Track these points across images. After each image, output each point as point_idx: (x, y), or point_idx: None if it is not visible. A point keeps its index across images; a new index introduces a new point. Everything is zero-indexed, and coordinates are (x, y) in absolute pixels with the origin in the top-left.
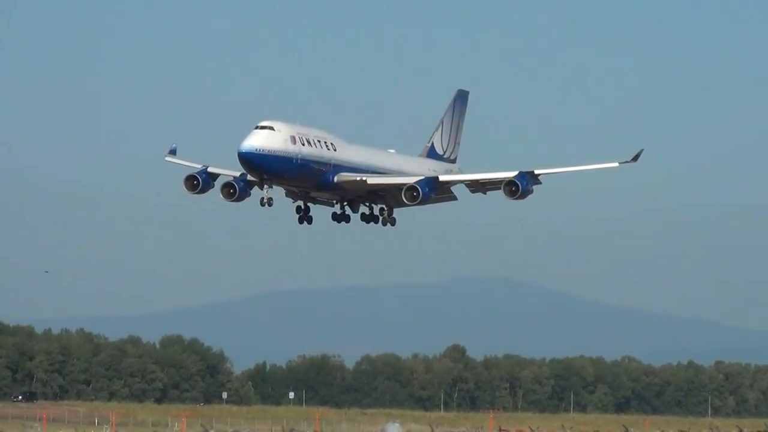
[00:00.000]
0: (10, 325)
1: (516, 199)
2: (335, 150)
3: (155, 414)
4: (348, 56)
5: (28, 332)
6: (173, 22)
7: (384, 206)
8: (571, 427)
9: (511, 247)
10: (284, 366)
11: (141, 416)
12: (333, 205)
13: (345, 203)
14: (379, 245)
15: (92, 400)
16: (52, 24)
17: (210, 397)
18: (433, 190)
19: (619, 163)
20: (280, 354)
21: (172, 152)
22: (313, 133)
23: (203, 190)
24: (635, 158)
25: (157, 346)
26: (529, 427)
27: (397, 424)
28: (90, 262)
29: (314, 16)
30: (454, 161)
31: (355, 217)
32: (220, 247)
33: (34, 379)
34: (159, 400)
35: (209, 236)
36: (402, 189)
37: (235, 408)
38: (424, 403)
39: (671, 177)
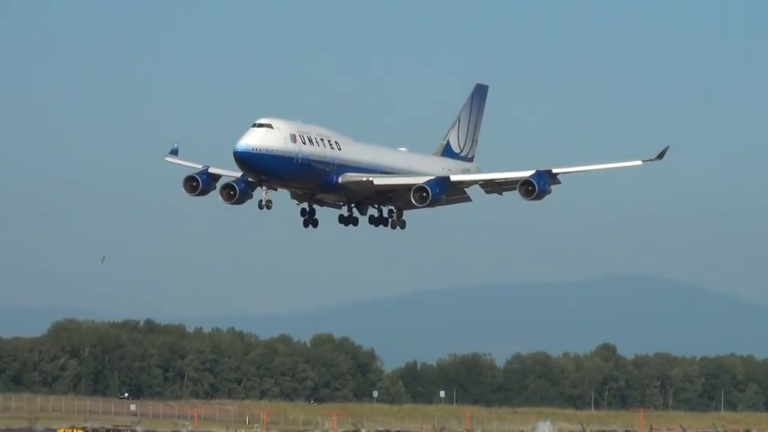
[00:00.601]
0: (162, 323)
1: (532, 199)
2: (339, 149)
3: (306, 413)
4: (358, 52)
5: (179, 331)
6: (174, 18)
7: (393, 208)
8: (722, 426)
9: (660, 244)
10: (435, 365)
11: (292, 415)
12: (340, 208)
13: (352, 205)
14: (529, 243)
15: (243, 398)
16: (51, 24)
17: (361, 395)
18: (444, 191)
19: (643, 161)
20: (431, 353)
21: (174, 152)
22: (316, 131)
23: (203, 192)
24: (660, 156)
25: (308, 344)
26: (680, 426)
27: (548, 423)
28: (238, 261)
29: (324, 12)
30: (471, 160)
31: (363, 220)
32: (370, 246)
33: (185, 378)
34: (310, 399)
35: (359, 235)
36: (411, 190)
37: (385, 406)
38: (575, 401)
39: None
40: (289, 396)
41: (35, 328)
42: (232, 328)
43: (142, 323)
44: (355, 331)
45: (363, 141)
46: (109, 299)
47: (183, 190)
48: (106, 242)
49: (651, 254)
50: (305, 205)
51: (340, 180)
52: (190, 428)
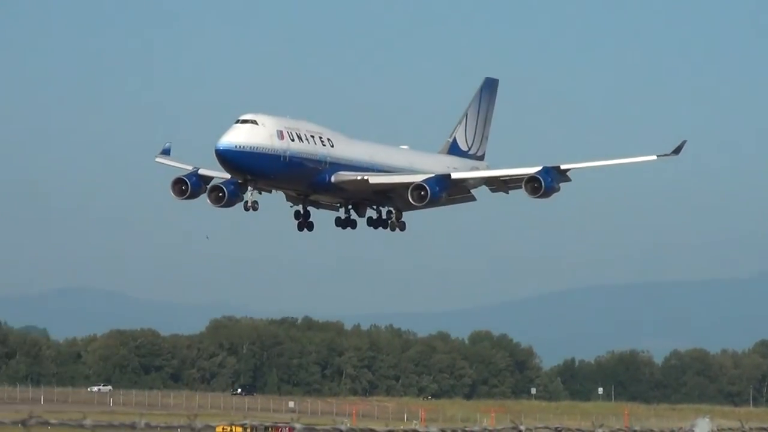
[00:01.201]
0: (320, 321)
1: (539, 197)
2: (332, 146)
3: (464, 409)
4: (358, 50)
5: (337, 328)
6: (170, 13)
7: (392, 209)
8: None
9: None
10: (593, 362)
11: (450, 412)
12: (337, 209)
13: (349, 207)
14: (685, 241)
15: (401, 395)
16: (47, 24)
17: (518, 392)
18: (445, 189)
19: (658, 156)
20: (589, 349)
21: (165, 152)
22: (305, 128)
23: (193, 195)
24: (677, 151)
25: (466, 342)
26: None
27: (707, 420)
28: (395, 260)
29: (325, 10)
30: (481, 158)
31: (362, 222)
32: (525, 243)
33: (344, 375)
34: (468, 396)
35: (520, 232)
36: (409, 188)
37: (543, 403)
38: (733, 398)
39: None
40: (447, 393)
41: (194, 326)
42: (390, 325)
43: (300, 320)
44: (513, 329)
45: (360, 138)
46: (267, 296)
47: (171, 193)
48: (267, 242)
49: None
50: (299, 207)
51: (333, 179)
52: (348, 424)
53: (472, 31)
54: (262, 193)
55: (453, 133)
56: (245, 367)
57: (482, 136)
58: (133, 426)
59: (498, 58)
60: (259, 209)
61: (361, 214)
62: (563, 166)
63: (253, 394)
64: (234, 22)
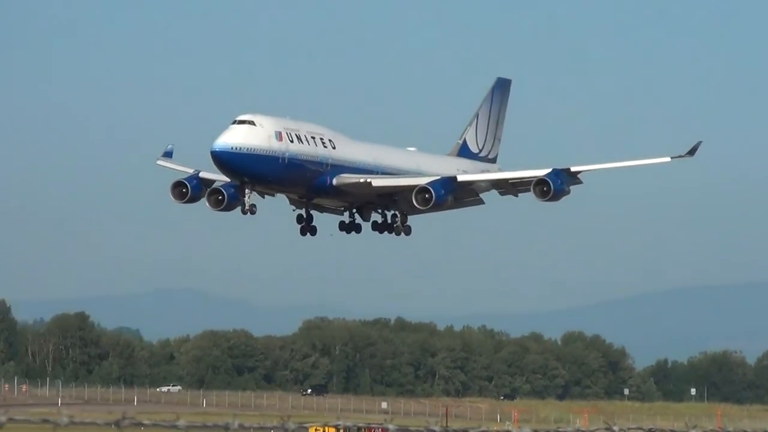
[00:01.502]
0: (413, 322)
1: (548, 200)
2: (334, 147)
3: (557, 410)
4: (364, 51)
5: (430, 329)
6: (173, 15)
7: (396, 213)
8: None
9: None
10: (686, 362)
11: (543, 413)
12: (342, 213)
13: (354, 210)
14: None
15: (494, 397)
16: (44, 25)
17: (611, 393)
18: (450, 192)
19: (672, 157)
20: (682, 350)
21: (167, 154)
22: (306, 128)
23: (193, 199)
24: (691, 152)
25: (559, 342)
26: None
27: None
28: (486, 259)
29: (331, 11)
30: (493, 161)
31: (367, 226)
32: (622, 241)
33: (437, 376)
34: (561, 397)
35: (615, 232)
36: (413, 191)
37: (636, 404)
38: None
39: None
40: (540, 394)
41: (287, 327)
42: (483, 326)
43: (392, 321)
44: (606, 329)
45: (368, 140)
46: (360, 298)
47: (170, 196)
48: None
49: None
50: (302, 211)
51: (334, 182)
52: (441, 426)
53: (483, 30)
54: (266, 196)
55: (463, 134)
56: (338, 368)
57: (494, 138)
58: (226, 427)
59: (509, 58)
60: (257, 212)
61: (365, 218)
62: (573, 168)
63: (323, 395)
64: (236, 22)
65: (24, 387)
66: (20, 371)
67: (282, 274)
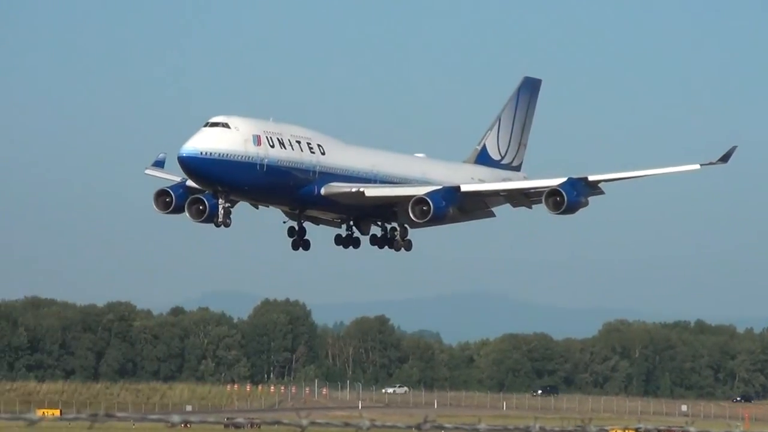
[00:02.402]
0: (713, 324)
1: (561, 213)
2: (323, 153)
3: None
4: (373, 53)
5: (730, 332)
6: (169, 17)
7: (396, 225)
8: None
9: None
10: None
11: None
12: (339, 226)
13: (351, 223)
14: None
15: None
16: (41, 25)
17: None
18: (452, 204)
19: (701, 164)
20: None
21: (158, 163)
22: (290, 132)
23: (178, 209)
24: (725, 158)
25: None
26: None
27: None
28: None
29: (338, 12)
30: (517, 168)
31: (365, 241)
32: None
33: (736, 379)
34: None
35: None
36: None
37: None
38: None
39: None
40: None
41: (587, 330)
42: None
43: (692, 324)
44: None
45: (371, 146)
46: (659, 300)
47: (154, 206)
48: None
49: None
50: (294, 224)
51: (322, 191)
52: (741, 429)
53: (508, 28)
54: (260, 207)
55: (482, 140)
56: (638, 371)
57: (519, 144)
58: (527, 430)
59: (536, 58)
60: (231, 225)
61: (364, 232)
62: (591, 178)
63: (555, 395)
64: (238, 22)
65: (324, 390)
66: (320, 374)
67: (578, 277)
